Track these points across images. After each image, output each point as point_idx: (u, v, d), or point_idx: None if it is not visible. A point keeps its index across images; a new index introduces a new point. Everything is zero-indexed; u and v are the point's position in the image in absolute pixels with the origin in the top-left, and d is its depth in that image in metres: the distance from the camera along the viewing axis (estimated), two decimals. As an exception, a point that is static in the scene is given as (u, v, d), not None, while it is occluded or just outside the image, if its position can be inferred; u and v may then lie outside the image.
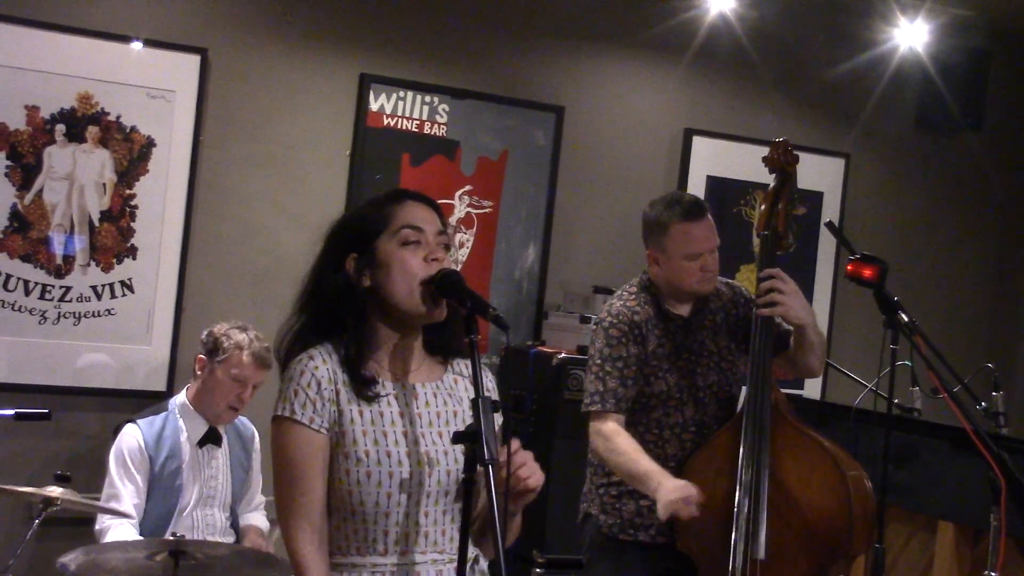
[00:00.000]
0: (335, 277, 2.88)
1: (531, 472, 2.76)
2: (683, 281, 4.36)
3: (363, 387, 2.83)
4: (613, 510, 4.38)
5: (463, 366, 3.02)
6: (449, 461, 2.86)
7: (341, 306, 2.87)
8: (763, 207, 4.48)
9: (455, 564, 2.83)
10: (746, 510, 4.12)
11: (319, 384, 2.80)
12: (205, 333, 4.93)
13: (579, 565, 4.62)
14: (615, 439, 4.25)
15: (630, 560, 4.37)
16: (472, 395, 2.96)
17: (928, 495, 4.96)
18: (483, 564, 2.97)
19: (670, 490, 4.04)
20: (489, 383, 2.96)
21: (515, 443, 2.74)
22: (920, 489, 4.98)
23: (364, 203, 3.03)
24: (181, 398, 4.96)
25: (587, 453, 4.51)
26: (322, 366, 2.82)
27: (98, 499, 4.78)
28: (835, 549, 4.17)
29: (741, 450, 4.20)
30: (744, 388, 4.36)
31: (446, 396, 2.94)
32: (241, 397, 4.86)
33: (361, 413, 2.82)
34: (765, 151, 4.56)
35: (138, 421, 4.89)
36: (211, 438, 4.90)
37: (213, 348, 4.87)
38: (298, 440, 2.79)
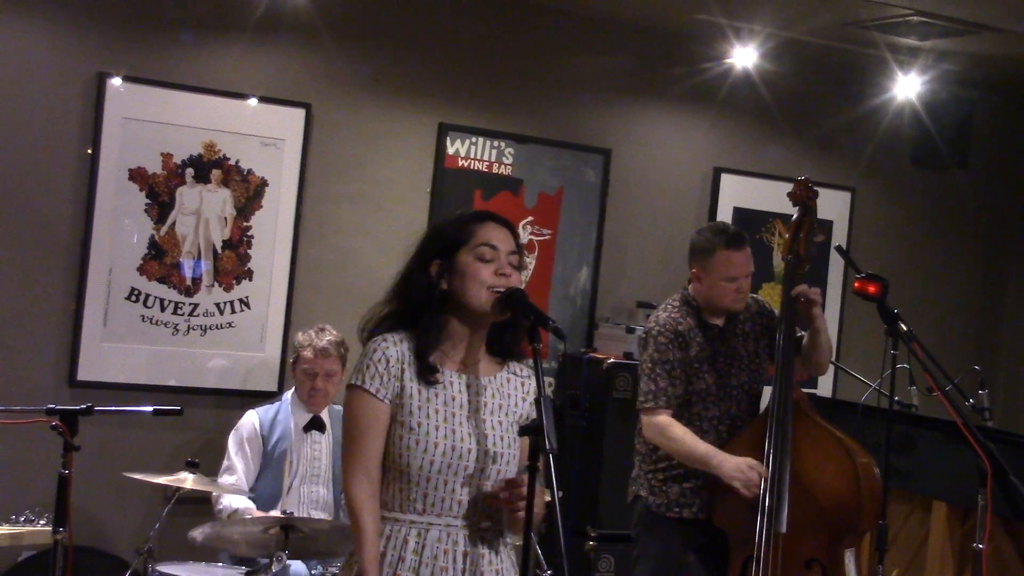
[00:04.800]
0: (420, 278, 2.92)
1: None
2: (719, 299, 4.37)
3: (426, 373, 2.87)
4: (660, 492, 4.38)
5: (517, 368, 3.04)
6: (495, 439, 2.89)
7: (421, 302, 2.91)
8: (787, 235, 4.50)
9: (481, 533, 2.87)
10: (771, 491, 4.12)
11: (388, 362, 2.85)
12: None
13: (627, 539, 4.64)
14: (671, 429, 4.27)
15: (673, 534, 4.38)
16: (524, 396, 3.01)
17: (924, 478, 4.94)
18: (509, 538, 2.97)
19: (739, 461, 4.13)
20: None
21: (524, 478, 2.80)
22: (917, 473, 4.96)
23: (452, 217, 3.06)
24: (291, 392, 5.10)
25: (634, 443, 4.51)
26: (392, 348, 2.87)
27: (220, 478, 4.92)
28: (847, 525, 4.16)
29: (767, 440, 4.19)
30: (769, 388, 4.36)
31: (496, 390, 2.97)
32: (314, 386, 4.96)
33: (420, 392, 2.86)
34: (784, 185, 4.57)
35: (257, 409, 5.07)
36: (315, 425, 4.99)
37: (293, 355, 5.10)
38: (365, 406, 2.85)
